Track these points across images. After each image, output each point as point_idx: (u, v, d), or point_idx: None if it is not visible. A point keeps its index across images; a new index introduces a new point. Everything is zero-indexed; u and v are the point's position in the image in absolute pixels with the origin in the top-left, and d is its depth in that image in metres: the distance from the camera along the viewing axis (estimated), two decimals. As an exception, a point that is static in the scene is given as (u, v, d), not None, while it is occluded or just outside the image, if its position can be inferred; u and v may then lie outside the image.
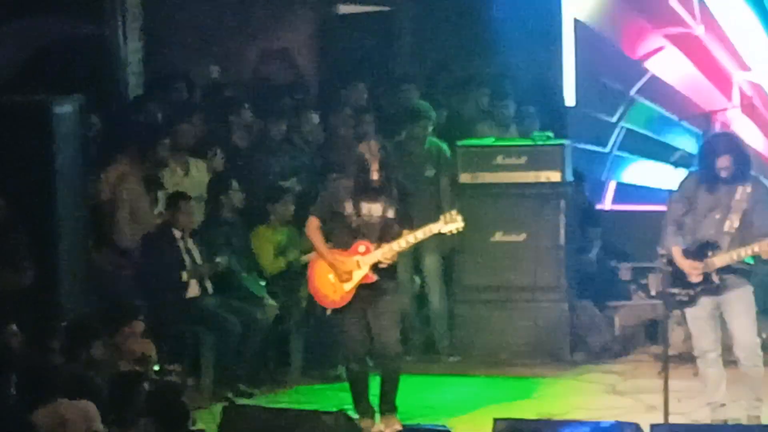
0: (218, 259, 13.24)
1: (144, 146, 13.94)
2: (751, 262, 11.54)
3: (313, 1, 16.83)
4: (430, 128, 14.46)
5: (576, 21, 15.67)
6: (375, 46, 16.50)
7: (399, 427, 11.13)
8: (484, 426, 10.78)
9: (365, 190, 11.86)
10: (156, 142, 13.99)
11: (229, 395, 12.51)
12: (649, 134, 15.65)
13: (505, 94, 15.31)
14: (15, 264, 12.41)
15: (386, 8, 16.57)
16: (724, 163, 11.44)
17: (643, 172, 15.63)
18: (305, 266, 12.49)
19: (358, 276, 11.78)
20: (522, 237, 14.06)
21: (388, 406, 11.98)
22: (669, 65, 15.57)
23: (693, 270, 11.44)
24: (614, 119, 15.69)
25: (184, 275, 13.11)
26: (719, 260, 11.38)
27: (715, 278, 11.44)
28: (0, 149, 12.54)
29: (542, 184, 14.09)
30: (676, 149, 14.68)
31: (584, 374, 13.65)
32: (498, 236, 14.04)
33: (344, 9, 16.67)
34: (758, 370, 11.66)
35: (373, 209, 11.85)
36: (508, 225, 14.05)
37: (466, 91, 15.56)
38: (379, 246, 11.76)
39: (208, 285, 13.23)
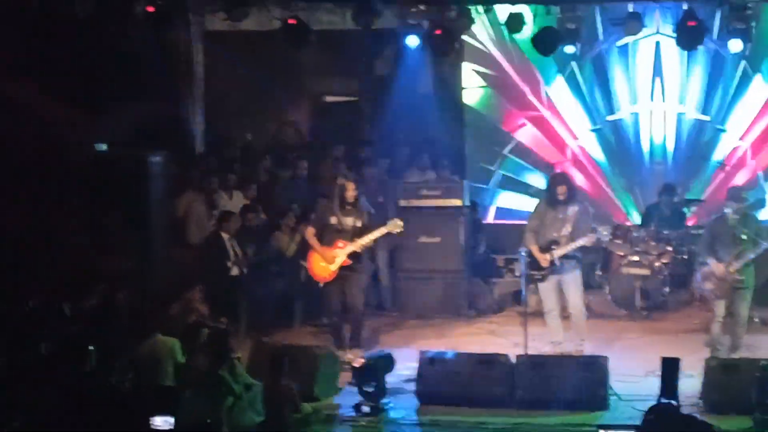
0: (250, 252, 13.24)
1: (204, 182, 14.02)
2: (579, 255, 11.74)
3: (311, 93, 16.78)
4: (384, 171, 14.53)
5: (468, 107, 15.67)
6: (348, 121, 16.43)
7: (362, 355, 11.09)
8: (414, 354, 11.00)
9: (344, 209, 11.95)
10: (211, 180, 14.06)
11: (257, 336, 12.45)
12: (515, 175, 15.67)
13: (423, 151, 15.18)
14: (124, 255, 12.47)
15: (355, 98, 16.50)
16: (562, 191, 11.65)
17: (511, 199, 15.67)
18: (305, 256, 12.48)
19: (339, 261, 11.89)
20: (437, 239, 13.98)
21: (355, 342, 12.10)
22: (528, 134, 15.60)
23: (543, 259, 11.61)
24: (494, 167, 15.72)
25: (229, 264, 12.99)
26: (559, 251, 11.61)
27: (557, 262, 11.64)
28: (116, 185, 12.59)
29: (450, 207, 14.00)
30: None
31: (475, 323, 13.59)
32: (423, 238, 13.96)
33: (329, 98, 16.64)
34: (582, 322, 11.84)
35: (348, 221, 11.98)
36: (429, 232, 13.97)
37: (403, 148, 15.50)
38: (352, 242, 11.88)
39: (244, 269, 13.08)
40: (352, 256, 11.88)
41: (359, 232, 11.92)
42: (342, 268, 11.87)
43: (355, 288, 12.02)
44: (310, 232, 12.10)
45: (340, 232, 11.91)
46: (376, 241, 12.22)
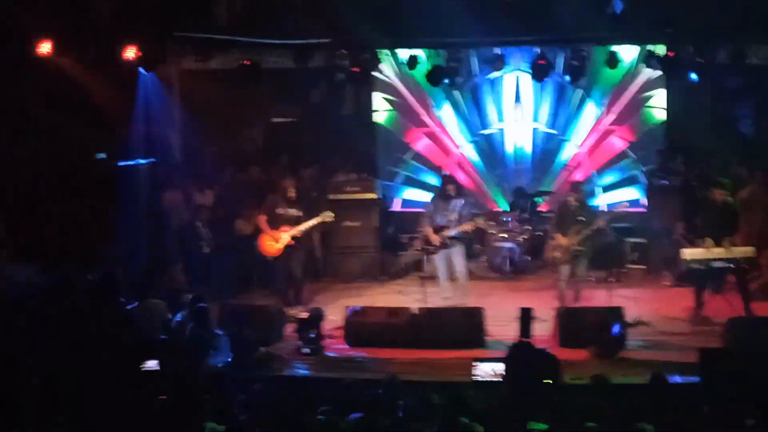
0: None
1: (182, 183, 13.73)
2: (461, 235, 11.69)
3: (263, 115, 16.07)
4: (318, 173, 14.36)
5: (378, 124, 15.48)
6: (291, 136, 15.86)
7: (303, 310, 11.02)
8: (342, 310, 10.94)
9: (288, 202, 11.85)
10: (188, 181, 13.76)
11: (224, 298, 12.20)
12: (414, 176, 15.60)
13: (346, 158, 14.84)
14: (121, 239, 12.17)
15: (296, 119, 16.25)
16: (451, 188, 11.63)
17: (412, 193, 15.62)
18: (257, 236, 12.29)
19: (284, 241, 11.80)
20: (358, 223, 13.77)
21: (297, 301, 12.01)
22: (424, 145, 15.56)
23: (435, 239, 11.56)
24: (398, 170, 15.64)
25: (202, 244, 12.74)
26: (448, 233, 11.53)
27: (447, 241, 11.58)
28: (114, 185, 12.37)
29: (367, 199, 13.85)
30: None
31: (387, 285, 13.42)
32: (347, 223, 13.69)
33: (277, 119, 16.22)
34: (465, 283, 11.75)
35: (292, 212, 11.91)
36: (352, 217, 13.74)
37: (331, 156, 15.25)
38: (294, 227, 11.77)
39: (213, 248, 12.83)
40: (294, 237, 11.83)
41: (300, 220, 11.86)
42: (287, 246, 11.79)
43: (296, 261, 11.97)
44: (262, 219, 11.98)
45: (285, 220, 11.82)
46: (312, 226, 12.13)
